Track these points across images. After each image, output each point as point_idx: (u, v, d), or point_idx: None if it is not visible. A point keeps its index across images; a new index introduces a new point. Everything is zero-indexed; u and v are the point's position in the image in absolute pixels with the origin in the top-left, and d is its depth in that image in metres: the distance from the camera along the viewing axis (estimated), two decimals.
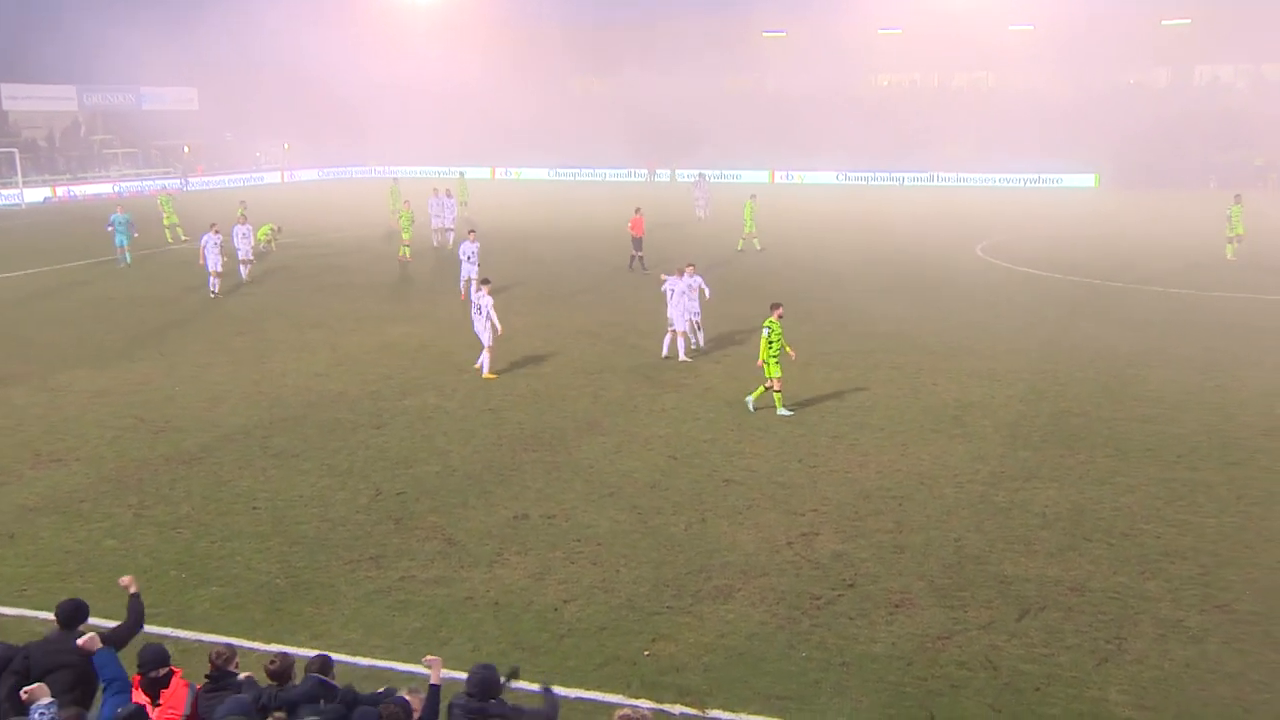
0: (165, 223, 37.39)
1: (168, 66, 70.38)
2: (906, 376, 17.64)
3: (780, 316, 15.21)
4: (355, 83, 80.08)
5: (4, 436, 14.39)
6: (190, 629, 9.01)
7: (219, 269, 25.42)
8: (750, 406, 15.54)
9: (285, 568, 10.27)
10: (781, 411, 15.32)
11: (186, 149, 76.49)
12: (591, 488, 12.47)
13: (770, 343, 15.07)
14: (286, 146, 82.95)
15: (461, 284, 24.67)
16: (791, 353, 15.54)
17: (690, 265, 18.86)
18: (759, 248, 33.39)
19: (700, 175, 47.93)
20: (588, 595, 9.72)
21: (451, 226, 34.60)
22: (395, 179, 47.25)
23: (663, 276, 19.02)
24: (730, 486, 12.51)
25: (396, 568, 10.29)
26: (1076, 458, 13.40)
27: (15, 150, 59.11)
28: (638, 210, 30.29)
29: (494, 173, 74.07)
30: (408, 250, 32.00)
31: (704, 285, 19.11)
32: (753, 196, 34.74)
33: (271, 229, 31.87)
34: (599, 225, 40.57)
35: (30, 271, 30.24)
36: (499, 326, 17.35)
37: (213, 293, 25.41)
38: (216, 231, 25.55)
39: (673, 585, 9.91)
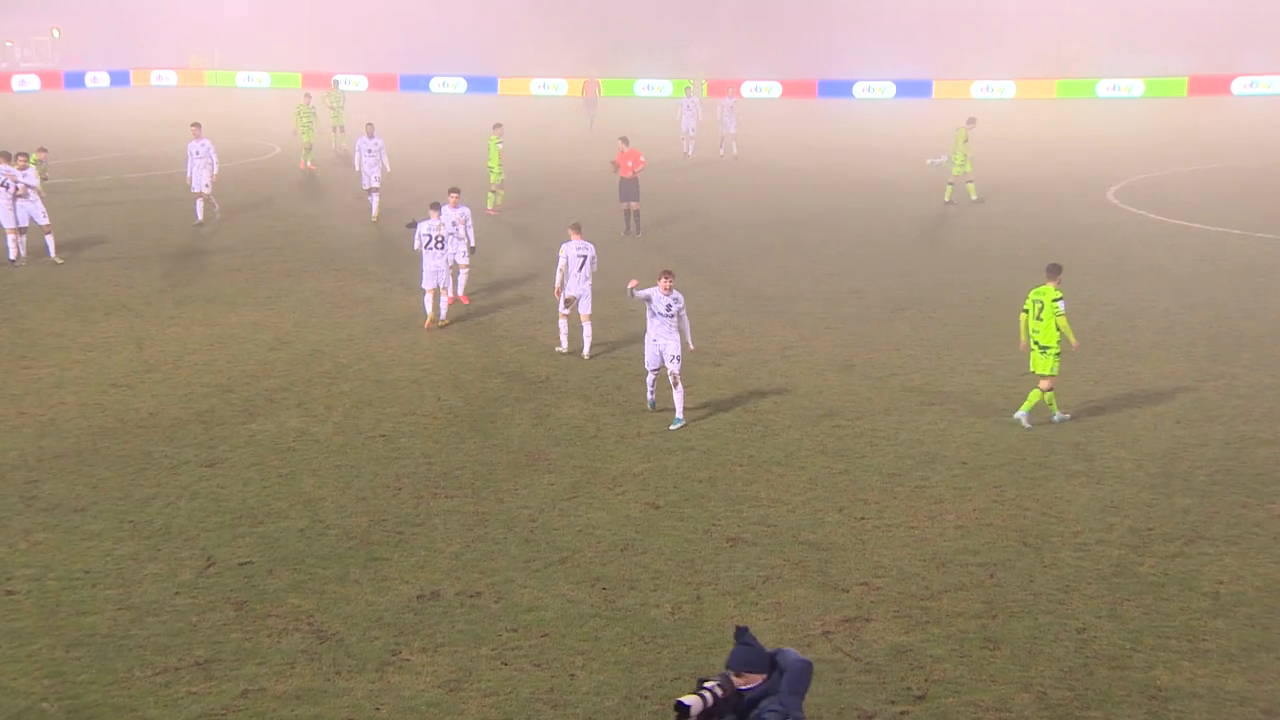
0: None
1: None
2: (999, 384, 18.04)
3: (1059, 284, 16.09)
4: None
5: None
6: None
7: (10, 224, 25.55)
8: (1024, 422, 16.21)
9: (59, 684, 10.38)
10: (1059, 417, 16.27)
11: None
12: (533, 551, 12.69)
13: (1042, 324, 15.90)
14: (56, 33, 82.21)
15: (374, 205, 30.79)
16: (1075, 342, 16.29)
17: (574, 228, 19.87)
18: (975, 198, 33.90)
19: (690, 86, 48.94)
20: (528, 713, 9.94)
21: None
22: (307, 94, 47.84)
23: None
24: (738, 548, 12.77)
25: (237, 677, 10.46)
26: (1267, 509, 13.77)
27: None
28: (625, 141, 30.67)
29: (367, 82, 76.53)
30: (310, 156, 38.51)
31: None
32: (970, 121, 34.50)
33: (36, 160, 31.89)
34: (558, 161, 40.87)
35: None
36: (473, 242, 22.61)
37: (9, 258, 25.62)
38: (8, 161, 25.76)
39: (654, 697, 10.15)
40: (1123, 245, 28.02)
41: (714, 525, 13.33)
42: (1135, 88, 67.35)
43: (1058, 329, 15.90)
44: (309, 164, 40.10)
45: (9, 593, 11.87)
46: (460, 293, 22.64)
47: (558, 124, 55.83)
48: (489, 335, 20.99)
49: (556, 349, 19.83)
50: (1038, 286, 16.21)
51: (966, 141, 33.60)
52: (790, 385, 18.19)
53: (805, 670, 6.60)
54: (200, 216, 30.55)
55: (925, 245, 28.83)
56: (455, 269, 22.24)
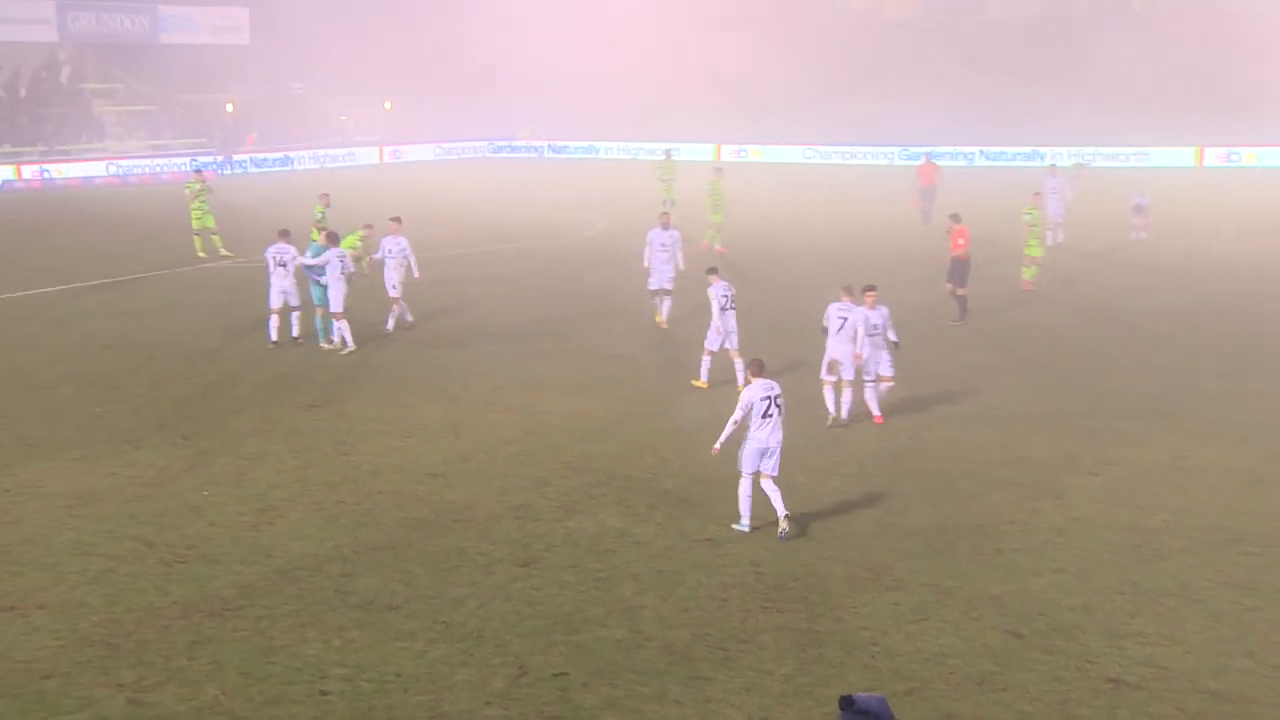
0: (195, 225, 40.48)
1: None
2: None
3: None
4: (495, 10, 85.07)
5: None
6: None
7: (293, 301, 27.21)
8: None
9: None
10: None
11: (230, 107, 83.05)
12: (875, 679, 12.58)
13: None
14: (388, 105, 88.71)
15: (664, 310, 28.82)
16: None
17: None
18: None
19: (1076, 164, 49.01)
20: None
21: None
22: (668, 152, 51.12)
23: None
24: (1120, 692, 12.30)
25: None
26: None
27: None
28: (955, 218, 30.23)
29: (719, 152, 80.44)
30: (718, 237, 38.78)
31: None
32: None
33: (362, 237, 33.96)
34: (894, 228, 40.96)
35: None
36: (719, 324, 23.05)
37: (272, 341, 27.33)
38: (288, 241, 27.41)
39: None
40: None
41: (1089, 663, 12.88)
42: None
43: None
44: (715, 245, 39.74)
45: (323, 693, 12.65)
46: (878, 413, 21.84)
47: (873, 197, 55.70)
48: (822, 427, 21.08)
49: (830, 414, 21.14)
50: None
51: None
52: (1185, 502, 17.46)
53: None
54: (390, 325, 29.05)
55: None
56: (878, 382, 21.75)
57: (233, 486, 18.57)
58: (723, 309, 23.25)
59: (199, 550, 16.11)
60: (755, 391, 16.49)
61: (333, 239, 27.42)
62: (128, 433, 21.26)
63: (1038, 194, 35.50)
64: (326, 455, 20.00)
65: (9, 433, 21.32)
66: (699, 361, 23.83)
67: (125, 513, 17.45)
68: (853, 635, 13.55)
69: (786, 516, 16.33)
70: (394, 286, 28.35)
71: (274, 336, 27.23)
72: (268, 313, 27.31)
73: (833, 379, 21.41)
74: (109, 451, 20.21)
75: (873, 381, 21.14)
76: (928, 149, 62.53)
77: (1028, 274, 33.44)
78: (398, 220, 29.06)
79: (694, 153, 75.44)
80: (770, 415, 16.38)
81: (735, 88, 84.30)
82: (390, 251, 28.23)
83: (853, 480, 18.61)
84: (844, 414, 21.24)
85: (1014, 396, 23.18)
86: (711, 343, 23.54)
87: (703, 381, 23.51)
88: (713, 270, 24.07)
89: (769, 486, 16.45)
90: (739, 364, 23.00)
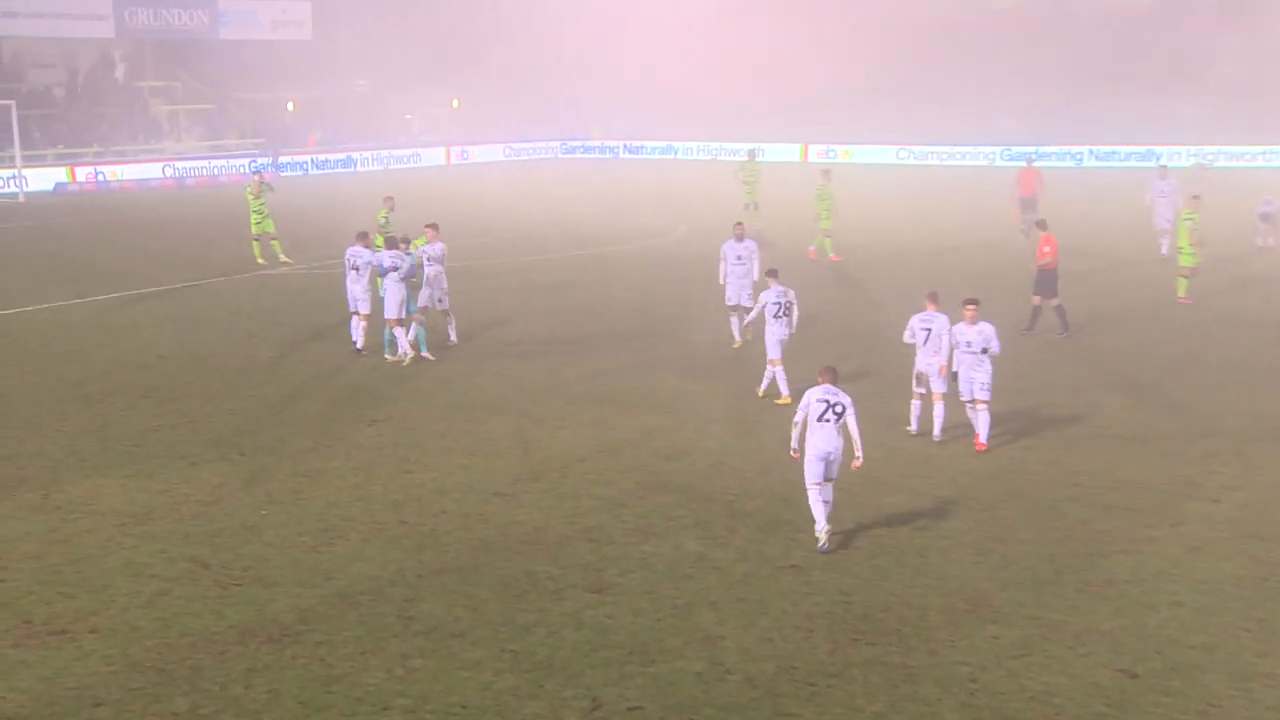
0: (254, 230, 40.79)
1: None
2: None
3: None
4: (569, 2, 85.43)
5: None
6: None
7: (363, 308, 27.47)
8: None
9: None
10: None
11: (291, 105, 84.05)
12: (974, 719, 12.49)
13: None
14: (456, 103, 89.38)
15: (735, 330, 27.87)
16: None
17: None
18: None
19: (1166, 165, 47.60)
20: None
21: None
22: (752, 152, 51.03)
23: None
24: None
25: None
26: None
27: (13, 105, 63.23)
28: (1042, 224, 30.28)
29: (805, 152, 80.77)
30: (829, 243, 39.06)
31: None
32: None
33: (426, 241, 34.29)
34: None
35: (23, 310, 33.90)
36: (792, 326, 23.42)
37: (356, 346, 27.71)
38: (367, 244, 27.70)
39: None
40: None
41: (1212, 706, 12.64)
42: None
43: None
44: (828, 254, 39.80)
45: None
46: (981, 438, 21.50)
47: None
48: (916, 445, 20.93)
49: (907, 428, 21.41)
50: None
51: None
52: None
53: None
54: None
55: None
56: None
57: (291, 505, 18.70)
58: (775, 316, 23.47)
59: (256, 572, 16.23)
60: (815, 393, 16.82)
61: (391, 244, 27.50)
62: (182, 448, 21.48)
63: (1196, 196, 34.79)
64: (389, 472, 20.08)
65: (60, 447, 21.59)
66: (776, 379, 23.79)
67: (180, 532, 17.63)
68: (949, 671, 13.38)
69: (828, 530, 16.61)
70: (440, 299, 28.06)
71: (358, 342, 27.64)
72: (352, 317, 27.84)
73: (921, 391, 21.31)
74: (163, 467, 20.42)
75: (970, 403, 20.90)
76: (1032, 149, 61.86)
77: (1181, 288, 32.93)
78: (434, 227, 28.31)
79: (778, 153, 75.33)
80: (827, 420, 16.63)
81: (822, 83, 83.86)
82: (430, 258, 27.74)
83: (950, 503, 18.40)
84: (937, 430, 21.06)
85: (1124, 415, 22.86)
86: (773, 351, 23.66)
87: (785, 397, 23.34)
88: (772, 273, 24.25)
89: (826, 493, 16.81)
90: (780, 372, 23.50)
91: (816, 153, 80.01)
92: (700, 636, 14.26)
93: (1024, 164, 47.49)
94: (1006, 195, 45.55)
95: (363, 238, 27.92)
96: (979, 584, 15.59)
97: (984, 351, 20.49)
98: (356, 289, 27.38)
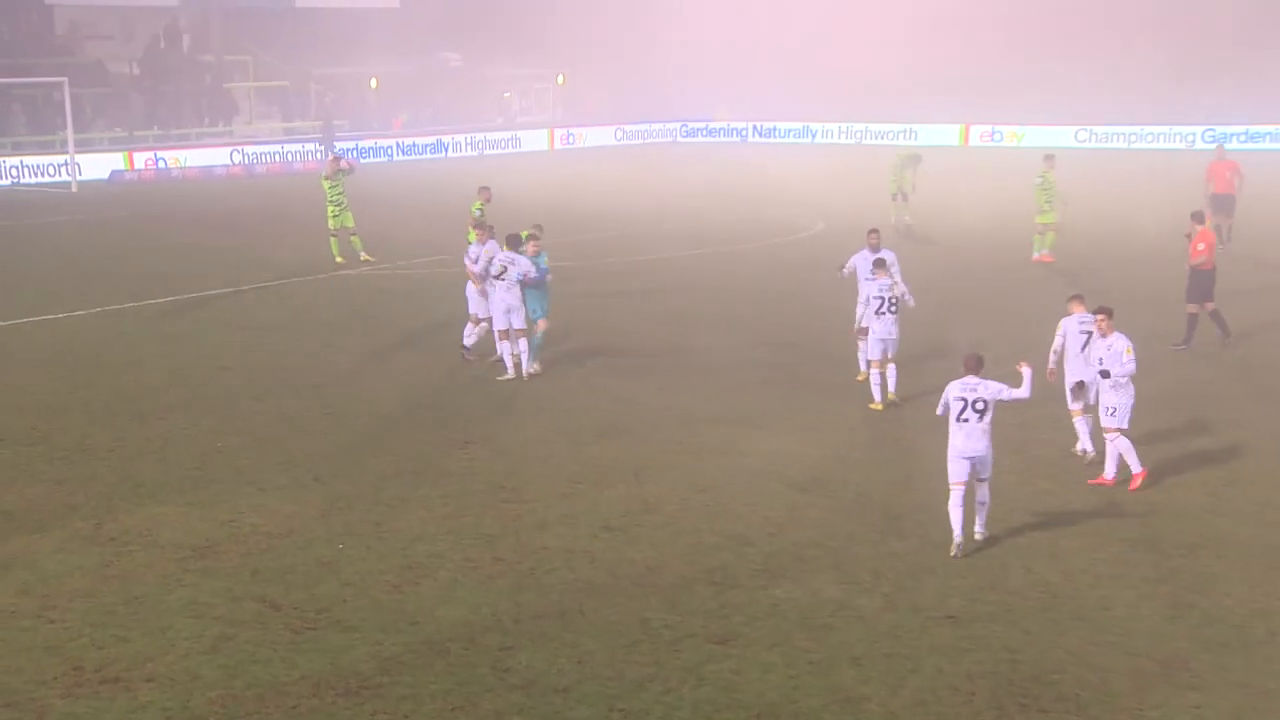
0: (331, 225, 40.94)
1: None
2: None
3: None
4: None
5: (20, 634, 15.93)
6: None
7: (521, 322, 26.61)
8: None
9: None
10: None
11: (374, 82, 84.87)
12: None
13: None
14: (561, 80, 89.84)
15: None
16: None
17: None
18: None
19: None
20: None
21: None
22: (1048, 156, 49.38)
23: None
24: None
25: None
26: None
27: (65, 82, 63.28)
28: (1196, 218, 29.63)
29: (966, 134, 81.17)
30: (1050, 238, 38.46)
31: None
32: None
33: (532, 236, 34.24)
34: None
35: (73, 314, 34.27)
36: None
37: (465, 353, 27.78)
38: (490, 237, 27.18)
39: None
40: None
41: None
42: None
43: None
44: (1043, 251, 39.31)
45: None
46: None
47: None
48: (1099, 472, 20.44)
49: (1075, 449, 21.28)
50: None
51: None
52: None
53: None
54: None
55: None
56: None
57: (372, 539, 18.66)
58: (878, 312, 23.47)
59: (331, 615, 16.19)
60: (954, 388, 17.47)
61: (485, 234, 27.35)
62: (250, 472, 21.53)
63: None
64: (483, 502, 20.01)
65: (113, 471, 21.71)
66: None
67: (247, 568, 17.63)
68: None
69: (959, 543, 17.22)
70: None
71: (509, 369, 27.00)
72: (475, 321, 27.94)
73: (1079, 406, 20.89)
74: (228, 494, 20.46)
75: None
76: (1243, 129, 60.05)
77: None
78: (535, 235, 27.41)
79: (932, 136, 74.73)
80: (966, 419, 17.19)
81: (986, 52, 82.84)
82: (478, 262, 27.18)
83: (1137, 547, 17.96)
84: (1109, 470, 20.44)
85: None
86: (872, 351, 23.82)
87: (877, 403, 23.64)
88: (879, 264, 24.21)
89: (982, 493, 17.49)
90: (891, 372, 23.86)
91: (979, 134, 79.69)
92: (840, 698, 14.00)
93: (1215, 150, 44.73)
94: (1204, 192, 41.97)
95: (514, 241, 26.80)
96: (1175, 643, 15.16)
97: (1104, 374, 19.71)
98: (510, 298, 26.36)
